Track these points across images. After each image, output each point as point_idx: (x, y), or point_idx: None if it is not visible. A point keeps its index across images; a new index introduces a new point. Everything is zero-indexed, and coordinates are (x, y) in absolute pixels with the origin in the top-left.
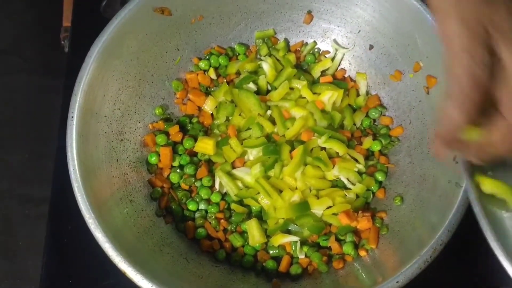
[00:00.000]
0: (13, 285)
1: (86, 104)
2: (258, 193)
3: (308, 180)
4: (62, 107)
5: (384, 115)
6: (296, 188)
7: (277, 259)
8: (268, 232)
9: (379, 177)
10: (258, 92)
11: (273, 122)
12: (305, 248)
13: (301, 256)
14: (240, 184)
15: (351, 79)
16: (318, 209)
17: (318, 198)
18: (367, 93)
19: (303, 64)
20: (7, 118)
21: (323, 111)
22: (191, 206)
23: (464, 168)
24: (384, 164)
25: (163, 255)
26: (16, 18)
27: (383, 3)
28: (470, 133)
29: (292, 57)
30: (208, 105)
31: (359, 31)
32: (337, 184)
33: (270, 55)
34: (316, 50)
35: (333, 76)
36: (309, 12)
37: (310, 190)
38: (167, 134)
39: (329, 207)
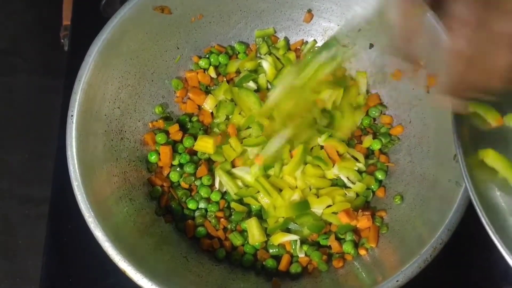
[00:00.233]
0: (13, 285)
1: (86, 103)
2: (258, 192)
3: (308, 179)
4: (62, 106)
5: (384, 114)
6: (296, 187)
7: (277, 258)
8: (268, 231)
9: (379, 176)
10: (258, 91)
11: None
12: (305, 247)
13: (301, 255)
14: (240, 183)
15: (351, 78)
16: (318, 208)
17: (318, 197)
18: (367, 91)
19: None
20: (7, 118)
21: (323, 109)
22: (191, 205)
23: (458, 145)
24: (384, 163)
25: (163, 254)
26: (16, 18)
27: (383, 2)
28: None
29: (292, 56)
30: (208, 104)
31: (359, 29)
32: (337, 183)
33: (270, 53)
34: (316, 48)
35: (333, 74)
36: (309, 11)
37: (310, 189)
38: (167, 133)
39: (329, 206)
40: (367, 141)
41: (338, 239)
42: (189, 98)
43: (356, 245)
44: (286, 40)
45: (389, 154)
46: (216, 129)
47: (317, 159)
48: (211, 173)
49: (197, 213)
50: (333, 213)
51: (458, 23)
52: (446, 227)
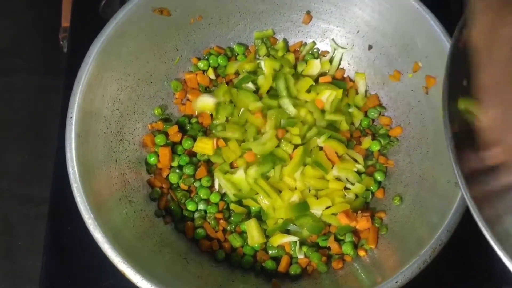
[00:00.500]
0: (13, 285)
1: (85, 105)
2: (257, 193)
3: (308, 180)
4: (62, 107)
5: (383, 115)
6: (296, 188)
7: (276, 259)
8: (267, 232)
9: (378, 177)
10: (257, 92)
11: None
12: (305, 248)
13: (301, 256)
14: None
15: (350, 79)
16: (317, 209)
17: (317, 198)
18: (366, 93)
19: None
20: (6, 118)
21: (322, 110)
22: (190, 207)
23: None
24: (383, 164)
25: (163, 255)
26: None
27: (382, 3)
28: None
29: (291, 57)
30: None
31: (358, 31)
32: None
33: (269, 55)
34: (315, 50)
35: (332, 76)
36: (308, 12)
37: (309, 190)
38: (166, 134)
39: (328, 207)
40: (366, 142)
41: (337, 240)
42: (188, 100)
43: (355, 246)
44: (285, 41)
45: (388, 155)
46: (215, 131)
47: (316, 164)
48: (211, 174)
49: (196, 215)
50: (332, 214)
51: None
52: (446, 228)
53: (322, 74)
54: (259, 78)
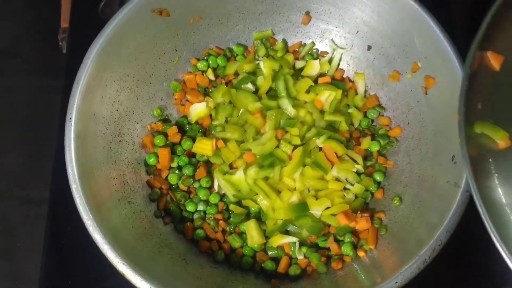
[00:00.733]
0: (13, 286)
1: (84, 106)
2: (257, 194)
3: (307, 181)
4: (61, 108)
5: (383, 116)
6: (295, 189)
7: (276, 260)
8: (267, 233)
9: (378, 178)
10: (256, 92)
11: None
12: (304, 249)
13: (300, 257)
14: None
15: (350, 80)
16: (316, 209)
17: (316, 199)
18: (366, 93)
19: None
20: (6, 119)
21: (321, 111)
22: (190, 207)
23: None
24: (382, 165)
25: (162, 256)
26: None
27: (381, 4)
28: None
29: (290, 58)
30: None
31: (357, 31)
32: (338, 178)
33: (268, 55)
34: (314, 50)
35: (332, 76)
36: (307, 13)
37: (309, 191)
38: (165, 135)
39: (328, 207)
40: (366, 142)
41: (337, 240)
42: (187, 101)
43: (355, 246)
44: (285, 42)
45: (388, 156)
46: (214, 132)
47: (316, 165)
48: (210, 175)
49: (196, 215)
50: (332, 214)
51: None
52: (445, 228)
53: (322, 74)
54: (258, 78)
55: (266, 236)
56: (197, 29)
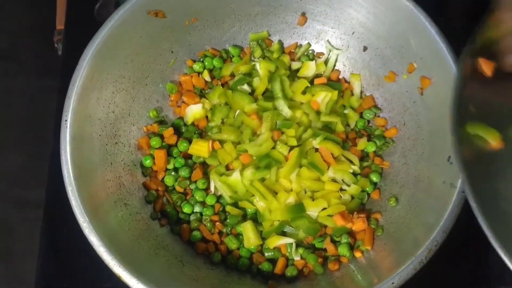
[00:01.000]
0: None
1: (80, 107)
2: (253, 195)
3: (303, 182)
4: (57, 110)
5: (379, 116)
6: (291, 190)
7: (272, 261)
8: (263, 234)
9: (374, 178)
10: (252, 94)
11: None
12: (301, 250)
13: (297, 258)
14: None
15: (346, 81)
16: (313, 210)
17: (313, 200)
18: (362, 94)
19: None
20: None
21: (317, 112)
22: (186, 209)
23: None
24: (378, 165)
25: (159, 258)
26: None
27: (377, 5)
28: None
29: (286, 59)
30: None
31: (353, 32)
32: (335, 179)
33: (264, 57)
34: (310, 51)
35: (328, 77)
36: (303, 14)
37: (305, 192)
38: (161, 136)
39: (324, 208)
40: (362, 143)
41: (333, 241)
42: (183, 102)
43: (351, 247)
44: (280, 43)
45: (384, 156)
46: (210, 133)
47: (312, 166)
48: (206, 176)
49: (192, 217)
50: (328, 215)
51: None
52: (441, 228)
53: (318, 75)
54: (254, 80)
55: (263, 237)
56: (193, 31)
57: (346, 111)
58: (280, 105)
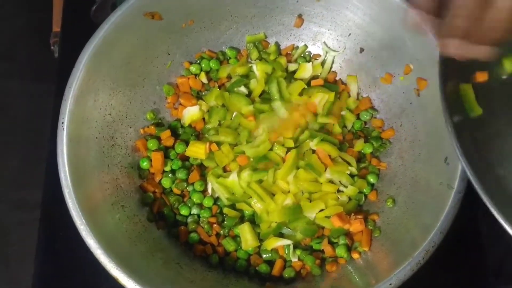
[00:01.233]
0: None
1: (77, 110)
2: (250, 197)
3: (301, 184)
4: (53, 112)
5: (375, 118)
6: (289, 192)
7: (270, 263)
8: (261, 236)
9: (371, 180)
10: (249, 96)
11: None
12: (298, 252)
13: (294, 260)
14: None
15: (342, 82)
16: (310, 212)
17: (310, 201)
18: (358, 95)
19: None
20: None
21: (314, 113)
22: (184, 211)
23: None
24: (376, 166)
25: (156, 260)
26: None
27: (373, 7)
28: None
29: (283, 61)
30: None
31: (350, 34)
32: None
33: (261, 58)
34: (307, 53)
35: (324, 79)
36: (300, 16)
37: (303, 193)
38: (158, 139)
39: (322, 210)
40: (359, 144)
41: (331, 243)
42: (180, 104)
43: (349, 249)
44: (277, 45)
45: (381, 158)
46: (207, 135)
47: (309, 167)
48: (203, 178)
49: (189, 219)
50: (325, 217)
51: None
52: (438, 229)
53: (314, 77)
54: (251, 81)
55: (260, 239)
56: (190, 33)
57: (343, 113)
58: (277, 107)
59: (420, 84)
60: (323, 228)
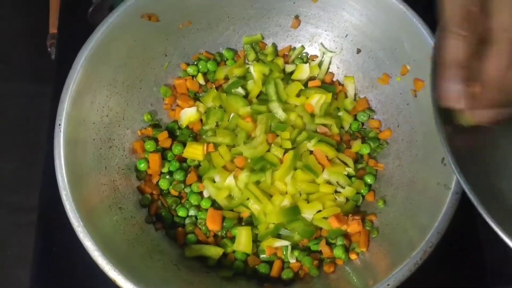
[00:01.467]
0: None
1: (74, 112)
2: (248, 198)
3: (298, 185)
4: (50, 114)
5: (373, 118)
6: (286, 193)
7: (268, 264)
8: (259, 237)
9: (369, 180)
10: (246, 97)
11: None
12: (296, 253)
13: (292, 261)
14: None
15: (339, 83)
16: (308, 213)
17: (308, 202)
18: (355, 96)
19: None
20: None
21: (312, 114)
22: (181, 213)
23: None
24: (373, 167)
25: (154, 262)
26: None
27: (370, 7)
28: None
29: (280, 62)
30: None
31: (347, 35)
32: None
33: (258, 60)
34: (304, 54)
35: (322, 80)
36: (297, 17)
37: (300, 195)
38: (156, 140)
39: (319, 211)
40: (356, 145)
41: (329, 244)
42: (178, 105)
43: (347, 249)
44: (274, 46)
45: (378, 158)
46: (205, 136)
47: (307, 168)
48: (201, 180)
49: (187, 221)
50: (323, 218)
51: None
52: (436, 230)
53: (311, 78)
54: (248, 83)
55: (258, 240)
56: (187, 34)
57: (340, 114)
58: (274, 108)
59: (417, 84)
60: (321, 229)
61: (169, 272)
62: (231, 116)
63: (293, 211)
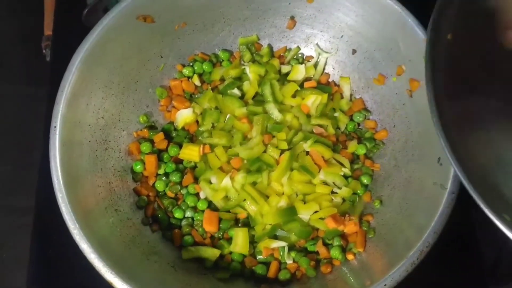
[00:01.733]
0: None
1: (69, 114)
2: (244, 199)
3: (295, 185)
4: (46, 116)
5: (369, 119)
6: (283, 194)
7: (265, 265)
8: (255, 238)
9: (365, 181)
10: (242, 98)
11: None
12: (293, 253)
13: (289, 262)
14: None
15: (335, 84)
16: (305, 214)
17: (305, 203)
18: (351, 97)
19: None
20: None
21: (308, 115)
22: (178, 214)
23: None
24: (369, 168)
25: (151, 264)
26: None
27: (366, 8)
28: None
29: (276, 63)
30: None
31: (342, 35)
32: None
33: (253, 61)
34: (299, 55)
35: (317, 81)
36: (292, 18)
37: (297, 195)
38: (151, 142)
39: (316, 211)
40: (352, 146)
41: (325, 244)
42: (173, 107)
43: (343, 250)
44: (270, 47)
45: (374, 159)
46: (201, 137)
47: (303, 169)
48: (197, 181)
49: (184, 222)
50: (320, 218)
51: None
52: (433, 229)
53: (307, 79)
54: (244, 84)
55: (255, 241)
56: (182, 35)
57: (336, 114)
58: (270, 109)
59: (413, 85)
60: (317, 229)
61: (166, 274)
62: (227, 117)
63: (290, 212)
